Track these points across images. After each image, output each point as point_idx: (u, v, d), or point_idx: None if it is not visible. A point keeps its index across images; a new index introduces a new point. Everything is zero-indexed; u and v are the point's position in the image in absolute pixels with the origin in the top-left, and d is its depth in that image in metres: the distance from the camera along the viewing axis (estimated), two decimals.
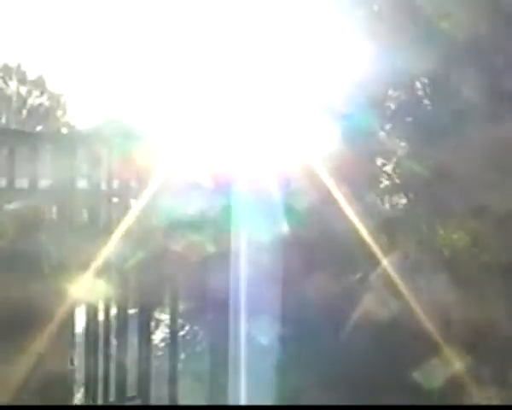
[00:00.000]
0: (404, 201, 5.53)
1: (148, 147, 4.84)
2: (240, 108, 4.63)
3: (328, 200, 4.10)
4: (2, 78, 31.27)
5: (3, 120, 29.07)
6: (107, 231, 4.66)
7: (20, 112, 31.70)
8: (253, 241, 4.27)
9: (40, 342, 3.85)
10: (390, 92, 5.53)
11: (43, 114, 31.35)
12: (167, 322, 5.12)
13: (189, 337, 6.38)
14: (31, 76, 31.94)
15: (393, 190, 5.51)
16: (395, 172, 5.55)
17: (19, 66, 31.58)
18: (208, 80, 5.29)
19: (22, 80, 32.01)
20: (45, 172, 4.74)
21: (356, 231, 4.11)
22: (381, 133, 5.45)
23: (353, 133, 4.28)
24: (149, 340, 4.82)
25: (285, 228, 4.07)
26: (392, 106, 5.57)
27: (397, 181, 5.56)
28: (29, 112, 31.83)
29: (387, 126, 5.55)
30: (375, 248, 4.32)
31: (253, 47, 4.89)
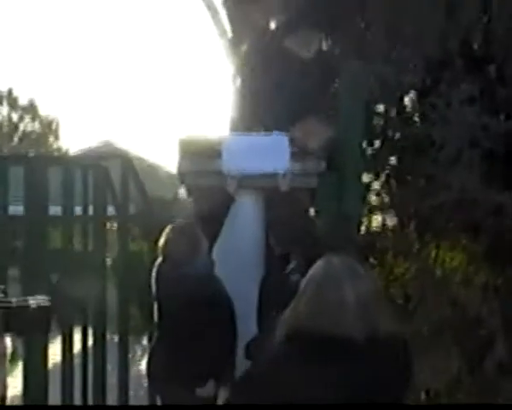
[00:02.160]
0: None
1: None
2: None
3: None
4: None
5: None
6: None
7: (11, 138, 31.84)
8: None
9: None
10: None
11: (35, 140, 31.49)
12: None
13: None
14: (22, 101, 32.23)
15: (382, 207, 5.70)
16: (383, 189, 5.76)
17: (10, 91, 31.84)
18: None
19: (13, 106, 32.21)
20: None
21: None
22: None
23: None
24: None
25: None
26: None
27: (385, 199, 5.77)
28: (20, 138, 31.99)
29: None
30: None
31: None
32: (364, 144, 5.42)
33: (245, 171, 3.81)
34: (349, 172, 4.15)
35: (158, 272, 3.35)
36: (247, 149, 3.89)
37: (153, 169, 21.48)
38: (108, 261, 5.65)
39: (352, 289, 1.97)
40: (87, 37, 60.82)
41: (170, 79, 54.31)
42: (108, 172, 5.03)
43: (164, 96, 58.70)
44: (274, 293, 3.08)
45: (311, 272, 2.08)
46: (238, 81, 4.80)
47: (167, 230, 3.36)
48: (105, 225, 5.00)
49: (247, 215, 3.90)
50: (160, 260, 3.36)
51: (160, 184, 15.92)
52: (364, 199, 5.35)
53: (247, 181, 3.85)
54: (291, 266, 3.22)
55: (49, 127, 32.91)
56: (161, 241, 3.34)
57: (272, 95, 4.37)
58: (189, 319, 3.06)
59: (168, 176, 17.12)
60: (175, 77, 56.62)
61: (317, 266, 2.07)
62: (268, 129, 4.14)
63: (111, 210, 5.07)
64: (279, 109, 4.25)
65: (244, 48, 4.95)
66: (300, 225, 3.42)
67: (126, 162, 5.13)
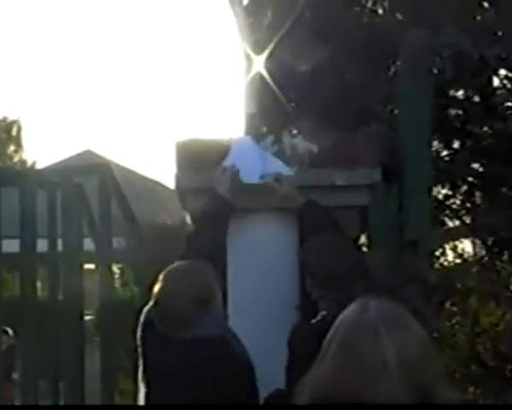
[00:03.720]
0: None
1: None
2: None
3: None
4: None
5: None
6: None
7: None
8: None
9: None
10: None
11: None
12: None
13: None
14: None
15: None
16: None
17: None
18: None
19: None
20: None
21: None
22: None
23: None
24: None
25: None
26: None
27: None
28: None
29: None
30: None
31: None
32: (435, 145, 5.42)
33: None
34: (414, 183, 4.14)
35: (149, 329, 3.34)
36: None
37: (147, 186, 21.62)
38: (87, 316, 5.69)
39: (393, 342, 1.97)
40: (62, 36, 63.00)
41: (160, 78, 55.89)
42: (84, 191, 5.08)
43: (154, 97, 60.50)
44: (304, 348, 3.08)
45: (338, 320, 2.09)
46: (257, 69, 4.87)
47: (165, 273, 3.33)
48: (81, 265, 5.04)
49: (272, 242, 3.92)
50: (151, 305, 3.33)
51: (160, 205, 16.01)
52: (436, 220, 5.33)
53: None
54: (322, 312, 3.22)
55: (7, 133, 33.34)
56: (156, 288, 3.30)
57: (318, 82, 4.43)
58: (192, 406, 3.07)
59: (169, 194, 17.22)
60: (166, 76, 58.07)
61: (348, 313, 2.08)
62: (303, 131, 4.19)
63: (89, 244, 5.11)
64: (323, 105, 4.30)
65: (268, 17, 5.03)
66: (343, 258, 3.42)
67: (107, 177, 5.15)
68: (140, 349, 3.34)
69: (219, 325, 3.21)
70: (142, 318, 3.38)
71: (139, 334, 3.37)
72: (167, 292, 3.17)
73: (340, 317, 2.11)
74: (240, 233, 3.93)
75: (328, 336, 2.10)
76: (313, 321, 3.21)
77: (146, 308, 3.38)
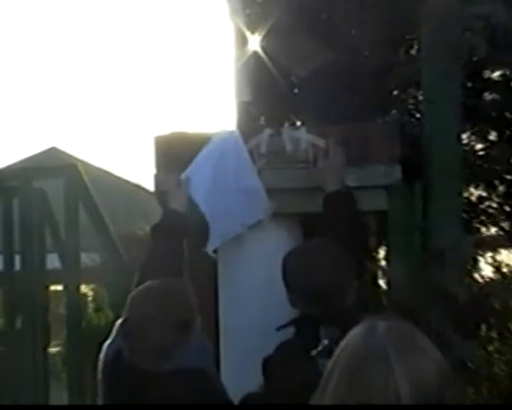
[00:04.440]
0: None
1: None
2: None
3: None
4: None
5: None
6: None
7: None
8: None
9: None
10: None
11: None
12: None
13: None
14: None
15: None
16: None
17: None
18: None
19: None
20: None
21: None
22: None
23: None
24: None
25: None
26: None
27: None
28: None
29: None
30: None
31: None
32: (467, 137, 5.43)
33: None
34: (441, 183, 4.14)
35: (114, 364, 3.31)
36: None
37: (125, 189, 21.62)
38: (52, 348, 5.69)
39: (406, 370, 1.98)
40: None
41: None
42: (46, 197, 5.08)
43: (131, 84, 60.70)
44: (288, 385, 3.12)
45: (343, 343, 2.09)
46: (252, 48, 4.88)
47: (136, 294, 3.30)
48: (44, 286, 5.04)
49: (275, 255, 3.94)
50: (118, 332, 3.31)
51: (140, 212, 15.98)
52: (468, 227, 5.34)
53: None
54: (324, 342, 3.22)
55: None
56: (125, 313, 3.27)
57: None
58: None
59: (151, 199, 17.19)
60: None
61: (352, 336, 2.08)
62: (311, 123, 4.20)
63: (54, 261, 5.10)
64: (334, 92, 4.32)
65: None
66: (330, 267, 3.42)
67: (75, 180, 5.15)
68: (102, 392, 3.30)
69: (201, 355, 3.20)
70: (102, 355, 3.35)
71: (99, 375, 3.32)
72: (141, 316, 3.14)
73: (344, 341, 2.11)
74: (234, 247, 3.94)
75: (330, 363, 2.11)
76: (314, 352, 3.21)
77: (107, 343, 3.35)
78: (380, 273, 5.13)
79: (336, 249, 3.41)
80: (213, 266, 4.14)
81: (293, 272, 3.41)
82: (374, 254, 5.54)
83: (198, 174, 3.90)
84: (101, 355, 3.31)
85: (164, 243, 3.74)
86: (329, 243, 3.48)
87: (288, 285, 3.44)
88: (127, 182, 23.91)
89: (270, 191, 3.91)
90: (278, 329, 3.46)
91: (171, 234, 3.76)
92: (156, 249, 3.77)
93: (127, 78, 62.53)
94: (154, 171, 4.13)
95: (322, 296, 3.28)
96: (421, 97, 4.94)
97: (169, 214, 3.84)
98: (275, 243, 3.96)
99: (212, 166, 3.91)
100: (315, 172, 3.90)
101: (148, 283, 3.27)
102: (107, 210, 5.67)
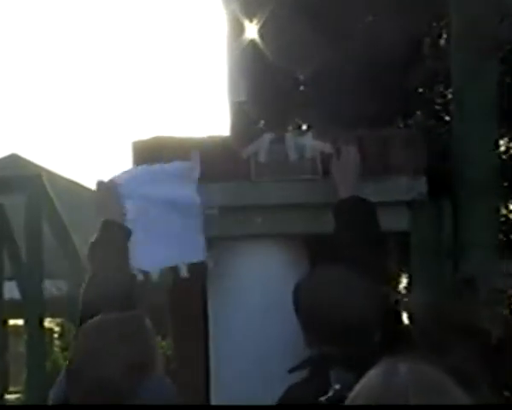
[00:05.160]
0: None
1: None
2: None
3: None
4: None
5: None
6: None
7: None
8: None
9: None
10: None
11: None
12: None
13: None
14: None
15: None
16: None
17: None
18: None
19: None
20: None
21: None
22: None
23: None
24: None
25: None
26: None
27: None
28: None
29: None
30: None
31: None
32: (505, 142, 5.46)
33: None
34: (474, 198, 4.17)
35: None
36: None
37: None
38: (9, 395, 5.71)
39: None
40: None
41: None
42: (4, 213, 5.11)
43: (106, 85, 61.13)
44: None
45: (358, 386, 2.11)
46: (250, 37, 4.93)
47: (86, 329, 3.32)
48: (3, 320, 5.06)
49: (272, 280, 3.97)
50: (65, 375, 3.32)
51: None
52: (506, 250, 5.36)
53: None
54: (335, 387, 3.24)
55: None
56: (74, 352, 3.29)
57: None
58: None
59: None
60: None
61: (370, 379, 2.11)
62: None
63: (12, 290, 5.13)
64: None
65: None
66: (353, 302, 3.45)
67: (39, 193, 5.18)
68: None
69: (162, 397, 3.22)
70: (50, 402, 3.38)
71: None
72: (93, 356, 3.16)
73: (359, 384, 2.13)
74: (225, 270, 3.97)
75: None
76: (323, 399, 3.23)
77: (53, 389, 3.37)
78: (401, 305, 5.15)
79: (359, 278, 3.43)
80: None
81: (311, 309, 3.44)
82: (394, 282, 5.55)
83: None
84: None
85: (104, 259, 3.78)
86: (347, 269, 3.50)
87: (304, 325, 3.46)
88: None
89: (270, 208, 3.93)
90: (291, 371, 3.48)
91: (112, 248, 3.81)
92: (97, 270, 3.79)
93: (101, 77, 62.91)
94: None
95: (349, 336, 3.31)
96: (450, 96, 4.98)
97: (108, 227, 3.86)
98: (275, 269, 3.99)
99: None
100: (325, 183, 3.92)
101: (100, 316, 3.29)
102: (76, 229, 5.68)
